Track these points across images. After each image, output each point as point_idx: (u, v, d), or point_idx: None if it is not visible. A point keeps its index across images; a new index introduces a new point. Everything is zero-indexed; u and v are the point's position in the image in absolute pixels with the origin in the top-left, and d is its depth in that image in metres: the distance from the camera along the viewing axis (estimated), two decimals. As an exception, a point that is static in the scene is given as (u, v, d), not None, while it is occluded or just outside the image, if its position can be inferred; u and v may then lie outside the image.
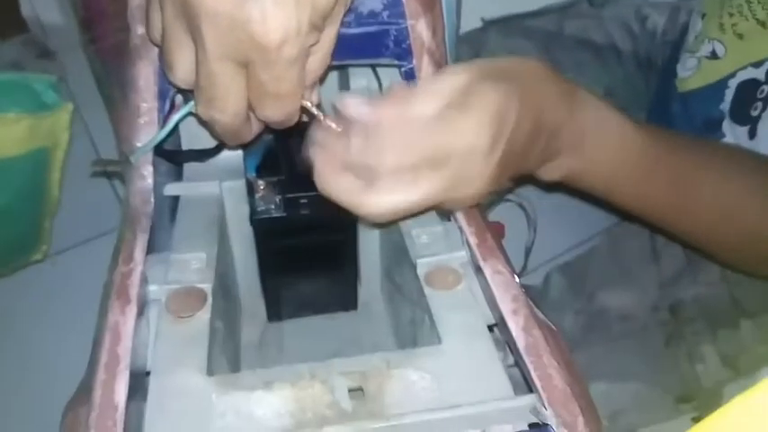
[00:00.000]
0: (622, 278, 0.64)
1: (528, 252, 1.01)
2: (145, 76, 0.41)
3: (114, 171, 0.77)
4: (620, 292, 0.63)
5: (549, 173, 0.45)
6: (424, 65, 0.44)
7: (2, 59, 1.23)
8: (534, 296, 0.67)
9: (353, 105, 0.36)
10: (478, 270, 0.38)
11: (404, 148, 0.35)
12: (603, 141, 0.44)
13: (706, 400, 0.62)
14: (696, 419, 0.65)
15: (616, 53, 0.77)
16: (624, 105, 0.77)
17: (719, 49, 0.62)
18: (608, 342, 0.62)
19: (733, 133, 0.59)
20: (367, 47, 0.43)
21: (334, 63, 0.44)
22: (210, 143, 0.46)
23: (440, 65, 0.45)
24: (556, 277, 0.69)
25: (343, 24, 0.36)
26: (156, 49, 0.41)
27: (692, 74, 0.63)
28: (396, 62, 0.44)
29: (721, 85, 0.61)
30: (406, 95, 0.36)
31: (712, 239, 0.51)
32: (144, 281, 0.37)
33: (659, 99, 0.71)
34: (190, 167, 0.48)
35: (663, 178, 0.47)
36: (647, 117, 0.74)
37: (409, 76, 0.44)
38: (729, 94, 0.60)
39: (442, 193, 0.36)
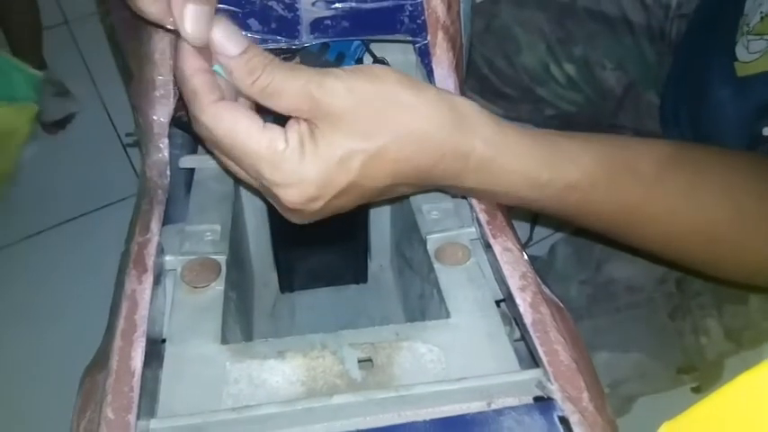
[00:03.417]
0: (629, 250, 0.64)
1: (533, 224, 1.01)
2: (161, 49, 0.41)
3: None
4: (626, 264, 0.63)
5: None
6: (438, 41, 0.44)
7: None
8: (540, 267, 0.68)
9: (224, 39, 0.33)
10: (488, 247, 0.39)
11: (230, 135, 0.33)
12: (505, 195, 0.38)
13: (707, 372, 0.62)
14: (696, 390, 0.66)
15: (628, 26, 0.76)
16: (635, 79, 0.77)
17: None
18: (613, 313, 0.62)
19: None
20: (382, 22, 0.43)
21: (349, 39, 0.44)
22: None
23: (454, 41, 0.45)
24: (562, 247, 0.69)
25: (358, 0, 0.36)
26: (172, 22, 0.42)
27: (758, 57, 0.58)
28: (410, 38, 0.44)
29: None
30: (281, 74, 0.33)
31: (687, 254, 0.44)
32: (160, 251, 0.37)
33: (694, 83, 0.68)
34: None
35: (606, 202, 0.39)
36: (666, 96, 0.73)
37: (424, 52, 0.44)
38: None
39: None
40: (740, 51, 0.60)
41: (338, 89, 0.32)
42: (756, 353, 0.62)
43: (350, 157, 0.33)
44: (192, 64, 0.33)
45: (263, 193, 0.36)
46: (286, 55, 0.44)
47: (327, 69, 0.33)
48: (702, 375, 0.62)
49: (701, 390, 0.66)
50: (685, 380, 0.63)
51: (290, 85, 0.32)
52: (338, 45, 0.45)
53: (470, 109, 0.35)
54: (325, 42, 0.44)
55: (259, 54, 0.33)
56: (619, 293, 0.62)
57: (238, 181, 0.37)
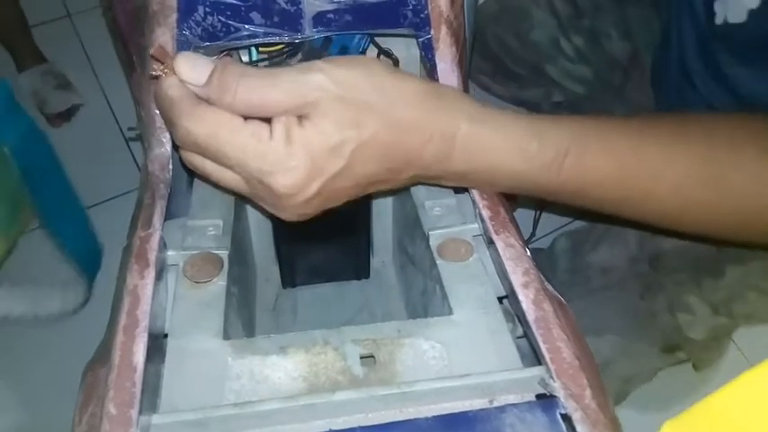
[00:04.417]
0: (607, 233, 0.64)
1: (537, 219, 1.01)
2: (163, 42, 0.41)
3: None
4: (605, 248, 0.63)
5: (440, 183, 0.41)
6: (442, 35, 0.44)
7: (21, 89, 1.24)
8: (542, 261, 0.67)
9: (188, 69, 0.34)
10: (490, 243, 0.39)
11: (210, 133, 0.33)
12: (498, 174, 0.38)
13: (697, 349, 0.61)
14: (695, 367, 0.64)
15: None
16: (641, 47, 0.75)
17: None
18: (586, 296, 0.61)
19: None
20: (385, 16, 0.43)
21: (352, 33, 0.44)
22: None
23: (458, 35, 0.45)
24: (561, 241, 0.69)
25: None
26: (174, 16, 0.41)
27: None
28: (413, 32, 0.44)
29: None
30: (258, 81, 0.33)
31: (702, 222, 0.43)
32: (162, 246, 0.37)
33: (689, 43, 0.63)
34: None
35: (602, 182, 0.40)
36: (659, 68, 0.72)
37: (427, 47, 0.44)
38: None
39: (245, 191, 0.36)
40: None
41: (324, 82, 0.33)
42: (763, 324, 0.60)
43: (342, 145, 0.33)
44: (168, 81, 0.34)
45: (251, 195, 0.36)
46: (289, 50, 0.44)
47: (308, 64, 0.34)
48: (693, 353, 0.61)
49: (698, 367, 0.65)
50: (679, 357, 0.62)
51: (273, 92, 0.33)
52: (341, 39, 0.45)
53: (452, 92, 0.37)
54: (327, 36, 0.44)
55: (230, 67, 0.33)
56: (593, 276, 0.62)
57: (225, 189, 0.37)
